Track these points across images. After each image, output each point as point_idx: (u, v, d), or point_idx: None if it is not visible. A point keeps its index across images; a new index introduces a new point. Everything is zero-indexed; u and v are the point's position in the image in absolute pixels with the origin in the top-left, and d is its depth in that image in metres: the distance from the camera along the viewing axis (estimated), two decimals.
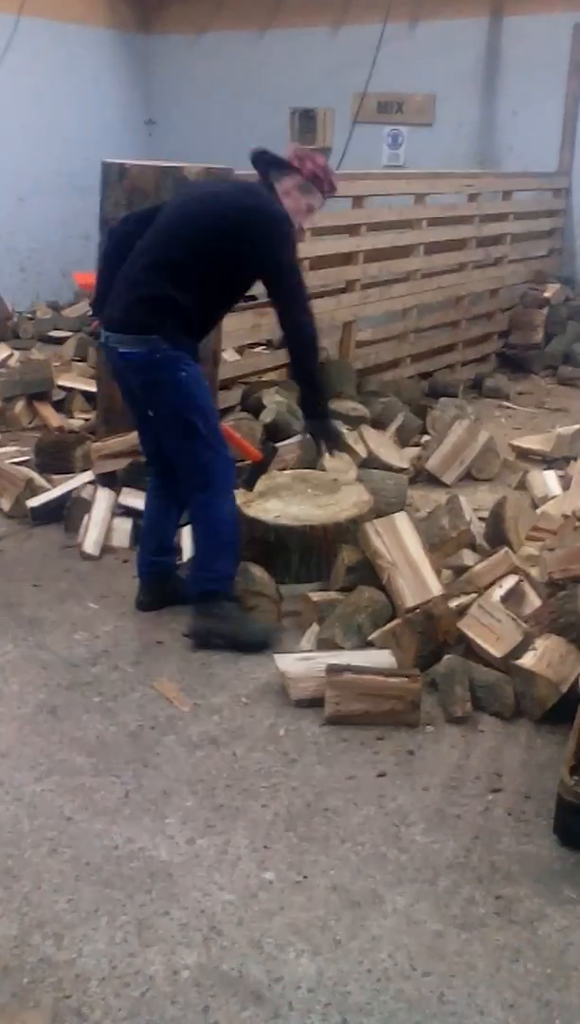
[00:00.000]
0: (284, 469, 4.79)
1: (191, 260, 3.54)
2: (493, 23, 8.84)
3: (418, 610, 3.53)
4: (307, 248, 5.97)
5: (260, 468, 4.23)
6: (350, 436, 5.23)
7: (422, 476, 5.46)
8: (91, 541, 4.53)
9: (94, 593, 4.20)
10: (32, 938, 2.39)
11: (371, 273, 6.67)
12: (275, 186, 3.68)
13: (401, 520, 3.88)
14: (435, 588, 3.66)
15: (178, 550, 4.22)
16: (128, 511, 4.66)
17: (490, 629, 3.48)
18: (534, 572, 3.89)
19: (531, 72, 8.64)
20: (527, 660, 3.31)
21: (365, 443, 5.21)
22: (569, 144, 8.62)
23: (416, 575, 3.71)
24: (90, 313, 4.07)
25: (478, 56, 8.94)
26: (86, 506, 4.72)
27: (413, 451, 5.67)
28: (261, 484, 4.45)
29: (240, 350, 6.29)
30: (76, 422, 6.02)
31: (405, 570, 3.73)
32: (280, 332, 3.79)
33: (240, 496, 4.29)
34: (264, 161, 3.73)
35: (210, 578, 3.71)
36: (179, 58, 10.59)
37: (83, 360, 7.13)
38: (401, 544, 3.80)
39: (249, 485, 4.26)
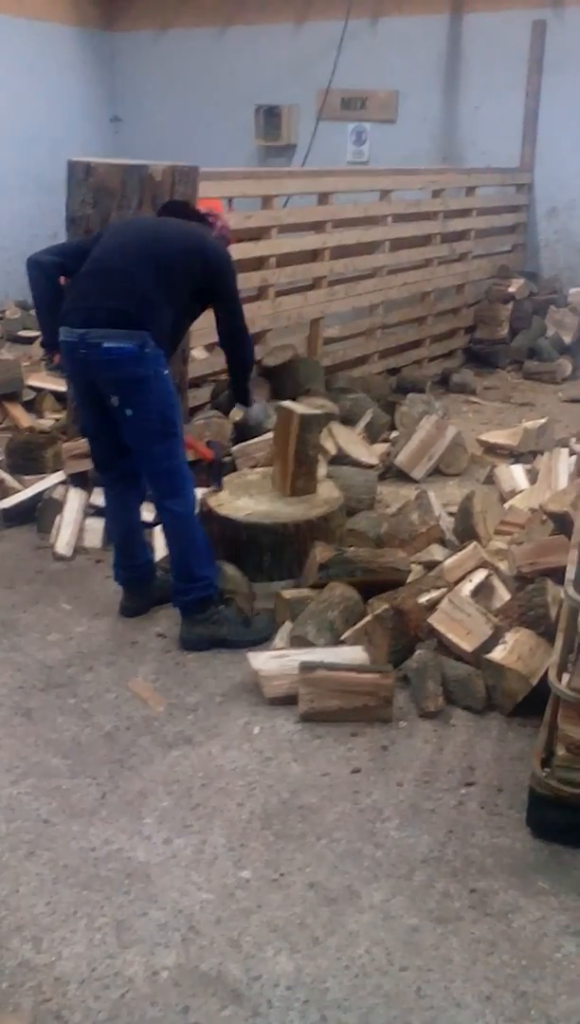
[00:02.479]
0: (254, 467, 4.81)
1: (166, 279, 3.57)
2: (454, 20, 8.87)
3: (389, 607, 3.56)
4: (273, 246, 5.99)
5: (215, 466, 4.25)
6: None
7: (391, 472, 5.49)
8: (63, 542, 4.52)
9: (67, 594, 4.19)
10: (10, 942, 2.40)
11: (337, 270, 6.69)
12: None
13: (295, 418, 4.28)
14: (288, 492, 4.33)
15: (151, 547, 4.24)
16: (100, 511, 4.65)
17: (460, 624, 3.51)
18: (503, 566, 3.93)
19: (492, 68, 8.69)
20: (497, 654, 3.35)
21: (334, 440, 5.24)
22: (530, 140, 8.68)
23: (283, 471, 4.35)
24: (44, 352, 3.96)
25: (439, 52, 8.97)
26: (58, 507, 4.71)
27: (382, 447, 5.70)
28: (231, 482, 4.47)
29: (209, 348, 6.28)
30: (46, 422, 5.99)
31: (277, 464, 4.40)
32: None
33: (212, 496, 4.31)
34: (183, 211, 3.98)
35: (201, 586, 3.70)
36: (143, 55, 10.55)
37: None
38: (287, 440, 4.31)
39: (216, 482, 4.28)
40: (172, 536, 3.72)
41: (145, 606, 4.00)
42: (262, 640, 3.76)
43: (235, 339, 3.96)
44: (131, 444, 3.67)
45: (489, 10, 8.65)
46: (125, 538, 3.96)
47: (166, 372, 3.58)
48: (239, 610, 3.80)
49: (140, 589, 4.00)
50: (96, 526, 4.61)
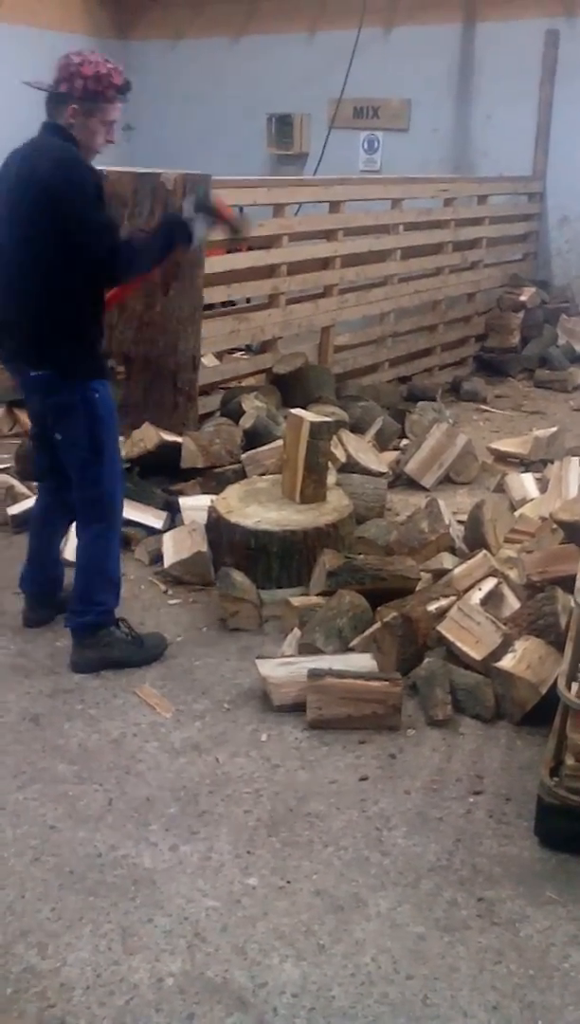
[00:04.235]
0: (264, 474, 4.81)
1: (36, 257, 3.22)
2: (467, 29, 8.89)
3: (398, 615, 3.56)
4: (285, 254, 6.00)
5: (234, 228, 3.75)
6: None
7: (401, 480, 5.48)
8: (71, 548, 4.50)
9: None
10: (16, 948, 2.39)
11: (349, 278, 6.70)
12: (60, 123, 3.27)
13: (305, 425, 4.32)
14: (297, 499, 4.35)
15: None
16: None
17: (470, 632, 3.50)
18: (513, 574, 3.92)
19: (505, 77, 8.70)
20: (507, 662, 3.33)
21: (344, 447, 5.23)
22: (543, 148, 8.69)
23: (293, 478, 4.38)
24: None
25: (452, 61, 9.00)
26: None
27: (392, 455, 5.69)
28: (241, 489, 4.47)
29: (219, 355, 6.31)
30: None
31: (287, 471, 4.42)
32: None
33: (221, 502, 4.32)
34: (46, 103, 3.32)
35: (98, 611, 3.62)
36: (156, 64, 10.60)
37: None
38: (297, 447, 4.35)
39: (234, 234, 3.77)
40: (84, 557, 3.62)
41: (49, 617, 3.94)
42: (156, 658, 3.70)
43: (109, 266, 3.27)
44: (64, 465, 3.58)
45: (502, 19, 8.67)
46: (41, 551, 3.90)
47: (97, 395, 3.40)
48: (129, 630, 3.71)
49: (47, 600, 3.95)
50: None
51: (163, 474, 4.98)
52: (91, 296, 3.39)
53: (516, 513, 4.68)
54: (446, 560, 4.14)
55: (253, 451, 5.02)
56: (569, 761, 2.70)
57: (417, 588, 3.90)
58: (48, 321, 3.31)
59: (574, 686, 2.72)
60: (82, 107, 3.25)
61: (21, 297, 3.32)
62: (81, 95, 3.22)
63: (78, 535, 3.68)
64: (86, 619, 3.62)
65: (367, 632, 3.64)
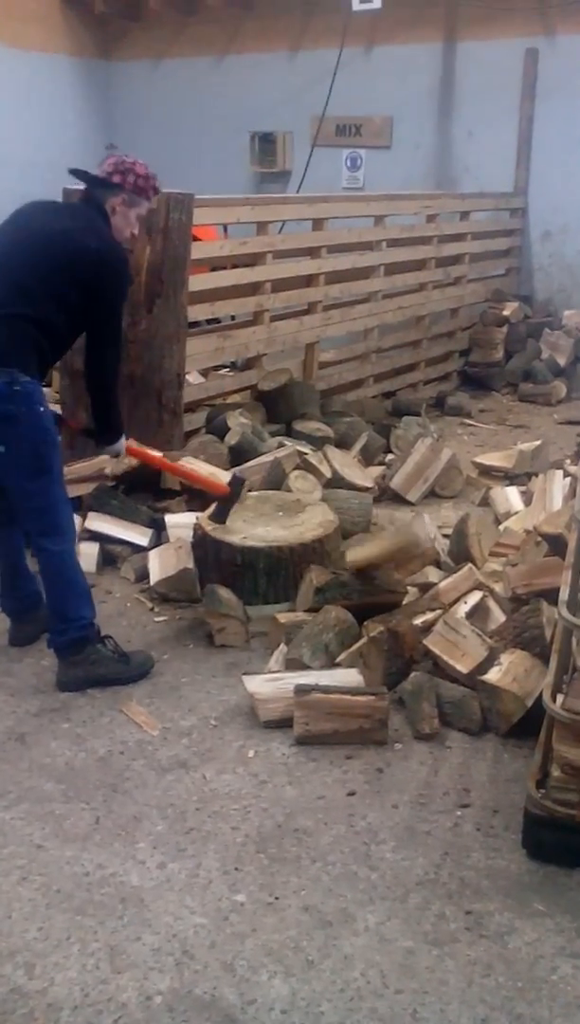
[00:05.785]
0: (249, 490, 4.82)
1: (41, 298, 3.39)
2: (447, 48, 8.98)
3: (384, 629, 3.56)
4: (269, 271, 6.03)
5: (229, 501, 4.24)
6: (314, 456, 5.28)
7: (386, 494, 5.50)
8: None
9: None
10: (3, 968, 2.38)
11: (332, 294, 6.73)
12: (104, 207, 3.61)
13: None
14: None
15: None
16: (95, 536, 4.65)
17: (456, 645, 3.51)
18: (498, 588, 3.93)
19: (485, 95, 8.79)
20: (493, 675, 3.34)
21: (329, 463, 5.25)
22: (524, 164, 8.77)
23: None
24: None
25: (433, 80, 9.08)
26: None
27: (377, 470, 5.71)
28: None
29: (204, 372, 6.32)
30: None
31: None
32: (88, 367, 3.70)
33: (206, 519, 4.32)
34: (86, 180, 3.69)
35: (77, 627, 3.60)
36: (139, 84, 10.66)
37: (48, 385, 7.10)
38: None
39: (220, 519, 4.24)
40: (48, 575, 3.59)
41: (35, 634, 3.93)
42: (143, 675, 3.69)
43: (104, 371, 3.64)
44: (3, 480, 3.52)
45: (482, 39, 8.75)
46: (9, 571, 3.89)
47: (42, 409, 3.41)
48: (115, 647, 3.70)
49: (27, 618, 3.94)
50: (90, 550, 4.59)
51: (148, 491, 4.99)
52: (58, 347, 3.55)
53: (501, 526, 4.70)
54: (432, 574, 4.15)
55: (238, 468, 5.03)
56: (555, 773, 2.71)
57: (403, 602, 3.91)
58: (21, 333, 3.37)
59: (559, 697, 2.73)
60: (129, 199, 3.63)
61: (14, 302, 3.37)
62: (132, 188, 3.62)
63: (36, 552, 3.61)
64: (68, 636, 3.61)
65: (353, 647, 3.65)
